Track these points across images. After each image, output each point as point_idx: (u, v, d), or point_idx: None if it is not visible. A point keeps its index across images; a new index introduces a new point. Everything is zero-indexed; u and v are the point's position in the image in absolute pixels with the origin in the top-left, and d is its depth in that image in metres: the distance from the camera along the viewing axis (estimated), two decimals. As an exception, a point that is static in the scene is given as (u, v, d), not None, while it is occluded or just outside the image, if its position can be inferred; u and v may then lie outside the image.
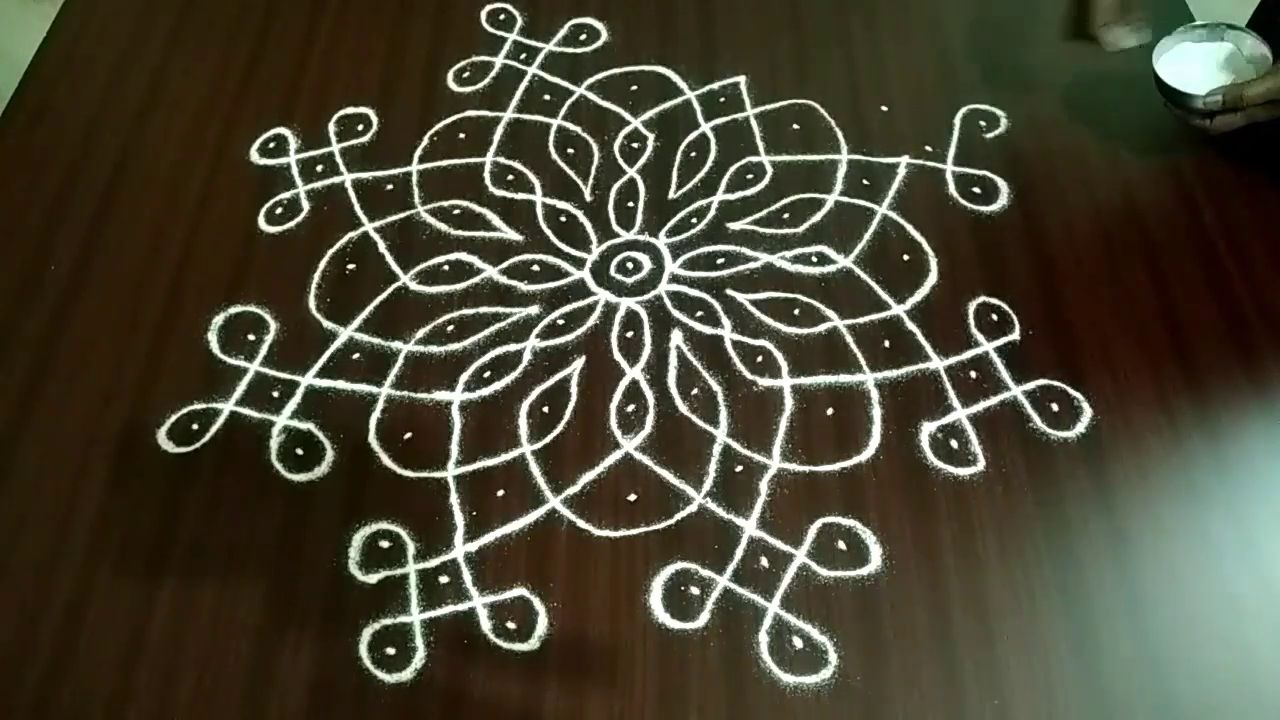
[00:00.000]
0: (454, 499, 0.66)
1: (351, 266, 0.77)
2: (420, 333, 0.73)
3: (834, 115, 0.85)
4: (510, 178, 0.82)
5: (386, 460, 0.68)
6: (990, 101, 0.85)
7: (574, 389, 0.70)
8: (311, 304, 0.75)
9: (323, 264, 0.77)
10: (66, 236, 0.80)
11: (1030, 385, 0.69)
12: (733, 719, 0.58)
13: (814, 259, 0.76)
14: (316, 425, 0.69)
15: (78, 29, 0.95)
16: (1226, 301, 0.72)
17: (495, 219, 0.80)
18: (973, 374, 0.70)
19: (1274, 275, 0.74)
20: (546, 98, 0.87)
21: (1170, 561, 0.62)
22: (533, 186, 0.82)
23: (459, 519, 0.65)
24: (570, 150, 0.84)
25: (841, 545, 0.63)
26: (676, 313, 0.74)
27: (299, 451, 0.68)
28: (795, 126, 0.84)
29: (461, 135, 0.85)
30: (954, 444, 0.67)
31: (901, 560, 0.62)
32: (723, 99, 0.87)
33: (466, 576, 0.63)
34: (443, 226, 0.79)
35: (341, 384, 0.71)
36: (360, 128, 0.86)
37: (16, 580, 0.64)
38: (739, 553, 0.63)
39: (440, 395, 0.70)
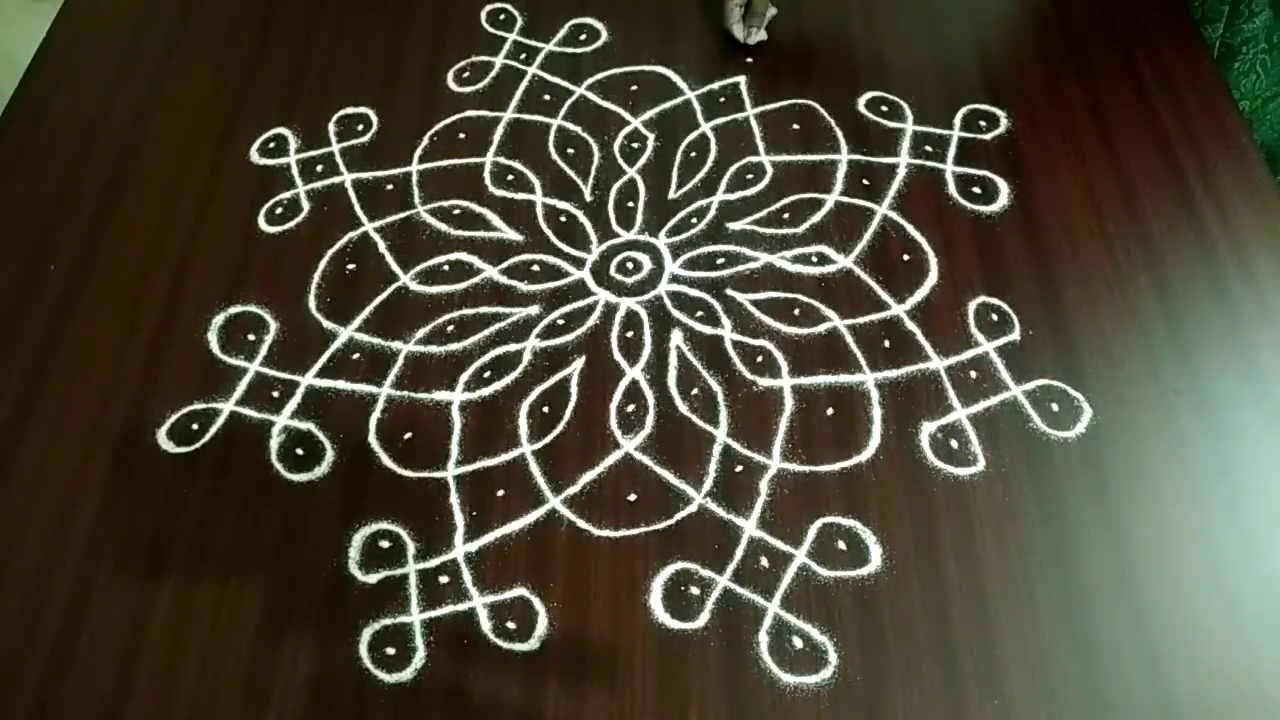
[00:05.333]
0: (454, 499, 0.66)
1: (351, 266, 0.77)
2: (420, 333, 0.73)
3: (834, 115, 0.85)
4: (510, 178, 0.82)
5: (386, 460, 0.68)
6: (990, 101, 0.85)
7: (574, 389, 0.70)
8: (311, 304, 0.75)
9: (323, 264, 0.77)
10: (66, 236, 0.80)
11: (1030, 385, 0.69)
12: (733, 719, 0.58)
13: (814, 259, 0.76)
14: (316, 425, 0.69)
15: (78, 29, 0.95)
16: (1227, 301, 0.72)
17: (495, 219, 0.80)
18: (973, 374, 0.70)
19: (1274, 275, 0.74)
20: (546, 98, 0.87)
21: (1170, 561, 0.62)
22: (533, 186, 0.81)
23: (459, 519, 0.65)
24: (570, 150, 0.84)
25: (841, 545, 0.63)
26: (676, 313, 0.74)
27: (299, 451, 0.68)
28: (795, 126, 0.84)
29: (461, 135, 0.85)
30: (954, 444, 0.67)
31: (901, 560, 0.62)
32: (723, 99, 0.86)
33: (466, 576, 0.63)
34: (443, 226, 0.79)
35: (341, 384, 0.71)
36: (360, 128, 0.86)
37: (16, 580, 0.64)
38: (739, 553, 0.63)
39: (440, 395, 0.70)
